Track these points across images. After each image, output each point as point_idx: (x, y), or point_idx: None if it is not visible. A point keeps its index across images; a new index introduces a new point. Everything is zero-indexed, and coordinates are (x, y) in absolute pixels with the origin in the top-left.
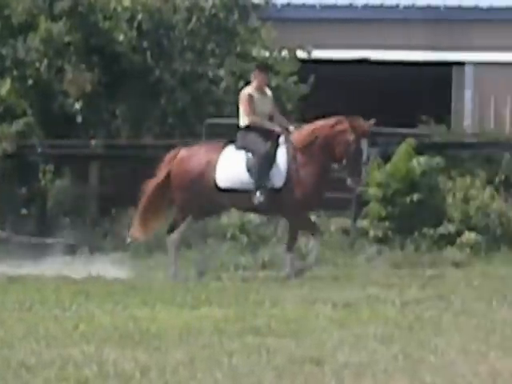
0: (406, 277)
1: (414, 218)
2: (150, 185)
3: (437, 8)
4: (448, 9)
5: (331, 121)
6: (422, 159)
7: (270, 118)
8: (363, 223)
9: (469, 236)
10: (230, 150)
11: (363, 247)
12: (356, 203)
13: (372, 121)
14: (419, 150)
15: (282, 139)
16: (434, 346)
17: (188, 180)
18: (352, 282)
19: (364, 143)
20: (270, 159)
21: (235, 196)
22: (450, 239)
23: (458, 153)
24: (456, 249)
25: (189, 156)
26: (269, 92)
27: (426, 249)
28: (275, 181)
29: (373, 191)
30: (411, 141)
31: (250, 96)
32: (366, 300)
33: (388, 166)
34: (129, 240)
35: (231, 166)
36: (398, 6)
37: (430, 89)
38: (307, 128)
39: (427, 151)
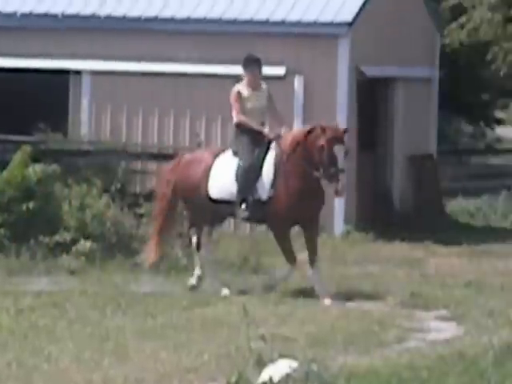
0: (21, 284)
1: (30, 226)
2: (160, 204)
3: (55, 16)
4: (65, 17)
5: (307, 128)
6: (38, 166)
7: (267, 114)
8: None
9: (84, 244)
10: (226, 155)
11: None
12: None
13: (345, 125)
14: (35, 158)
15: (273, 144)
16: (48, 354)
17: (187, 188)
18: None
19: (338, 149)
20: (255, 170)
21: (228, 207)
22: (65, 247)
23: (74, 160)
24: (72, 256)
25: (190, 161)
26: (264, 86)
27: (42, 257)
28: (261, 192)
29: None
30: (26, 148)
31: (238, 93)
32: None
33: (4, 173)
34: (141, 263)
35: (223, 175)
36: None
37: (48, 97)
38: (290, 134)
39: (43, 159)
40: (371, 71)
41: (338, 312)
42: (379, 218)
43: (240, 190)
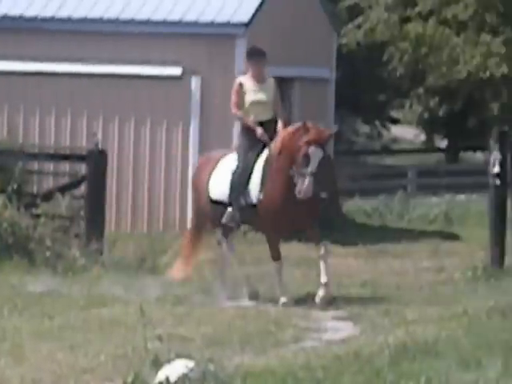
0: None
1: None
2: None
3: None
4: None
5: (294, 127)
6: None
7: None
8: None
9: None
10: (231, 156)
11: None
12: None
13: (334, 128)
14: None
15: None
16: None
17: (195, 188)
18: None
19: (315, 151)
20: (246, 173)
21: (224, 209)
22: None
23: None
24: None
25: (202, 163)
26: (270, 80)
27: None
28: (252, 196)
29: None
30: None
31: (239, 85)
32: None
33: None
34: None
35: (222, 176)
36: None
37: None
38: (280, 134)
39: None
40: (269, 71)
41: (235, 312)
42: None
43: (230, 193)
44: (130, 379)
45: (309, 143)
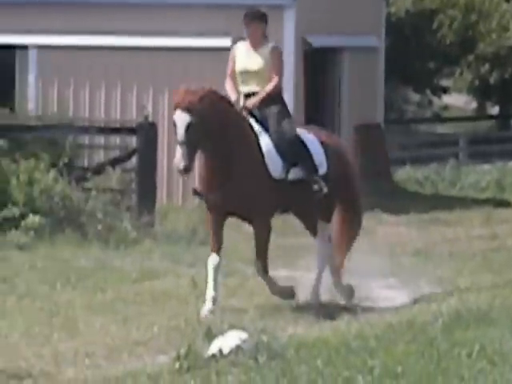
0: None
1: None
2: None
3: None
4: None
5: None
6: None
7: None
8: None
9: (33, 219)
10: None
11: None
12: None
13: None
14: None
15: None
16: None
17: None
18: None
19: (178, 115)
20: None
21: None
22: (14, 222)
23: (22, 136)
24: (20, 232)
25: None
26: (267, 46)
27: None
28: None
29: None
30: None
31: (232, 51)
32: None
33: None
34: None
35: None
36: None
37: None
38: None
39: None
40: (317, 41)
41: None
42: None
43: None
44: (183, 351)
45: (174, 108)
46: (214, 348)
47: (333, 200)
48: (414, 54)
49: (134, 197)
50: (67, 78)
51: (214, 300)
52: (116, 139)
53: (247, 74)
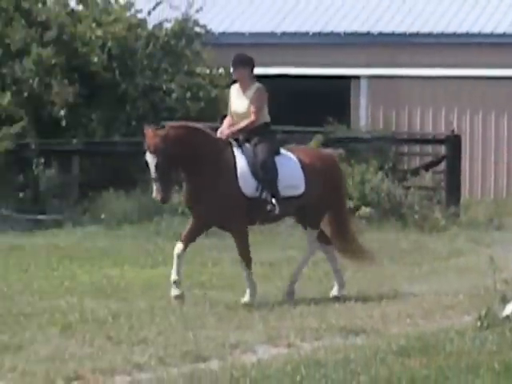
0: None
1: None
2: None
3: (338, 34)
4: (347, 35)
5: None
6: (328, 151)
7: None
8: None
9: (365, 210)
10: None
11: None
12: None
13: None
14: (326, 143)
15: None
16: (342, 296)
17: None
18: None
19: (148, 157)
20: None
21: None
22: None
23: (355, 145)
24: (355, 220)
25: None
26: (251, 90)
27: None
28: None
29: None
30: (319, 136)
31: (230, 91)
32: (286, 260)
33: None
34: None
35: None
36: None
37: (334, 97)
38: None
39: (332, 144)
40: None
41: None
42: None
43: None
44: (483, 313)
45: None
46: (508, 310)
47: (320, 210)
48: None
49: (443, 193)
50: (390, 102)
51: None
52: (429, 148)
53: (237, 116)
